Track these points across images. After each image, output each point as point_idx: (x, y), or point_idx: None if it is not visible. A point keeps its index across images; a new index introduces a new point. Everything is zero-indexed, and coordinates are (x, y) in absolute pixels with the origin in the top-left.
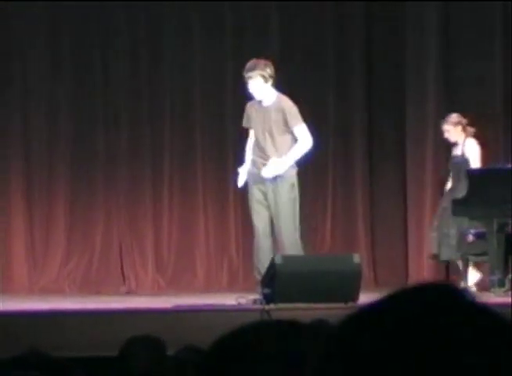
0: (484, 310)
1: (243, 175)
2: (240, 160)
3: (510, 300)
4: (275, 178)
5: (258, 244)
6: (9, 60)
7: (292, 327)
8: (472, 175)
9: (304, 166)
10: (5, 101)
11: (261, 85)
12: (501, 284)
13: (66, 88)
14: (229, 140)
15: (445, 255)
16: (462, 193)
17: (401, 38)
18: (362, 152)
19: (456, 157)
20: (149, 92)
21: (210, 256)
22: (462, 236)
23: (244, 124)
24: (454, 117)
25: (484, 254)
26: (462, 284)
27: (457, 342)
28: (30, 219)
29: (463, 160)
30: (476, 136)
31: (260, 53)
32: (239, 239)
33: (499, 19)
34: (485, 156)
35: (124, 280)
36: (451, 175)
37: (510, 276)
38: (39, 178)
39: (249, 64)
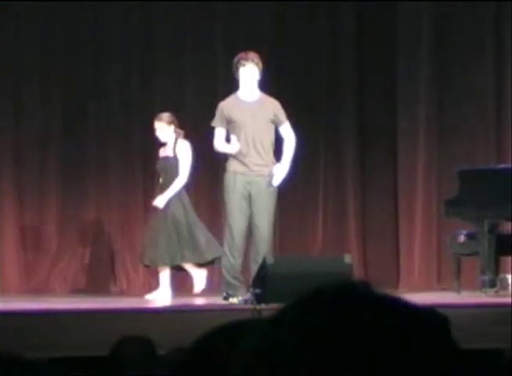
0: (390, 304)
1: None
2: None
3: (506, 300)
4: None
5: (237, 245)
6: (2, 66)
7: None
8: (462, 174)
9: (296, 167)
10: None
11: (257, 76)
12: (492, 285)
13: (58, 90)
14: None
15: (149, 260)
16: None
17: (391, 45)
18: (354, 152)
19: (167, 158)
20: (140, 93)
21: None
22: (454, 236)
23: (218, 124)
24: (167, 115)
25: (475, 254)
26: (455, 284)
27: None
28: (22, 219)
29: (174, 161)
30: (187, 138)
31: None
32: None
33: (491, 33)
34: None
35: (115, 280)
36: (161, 176)
37: (501, 276)
38: (30, 178)
39: (250, 52)
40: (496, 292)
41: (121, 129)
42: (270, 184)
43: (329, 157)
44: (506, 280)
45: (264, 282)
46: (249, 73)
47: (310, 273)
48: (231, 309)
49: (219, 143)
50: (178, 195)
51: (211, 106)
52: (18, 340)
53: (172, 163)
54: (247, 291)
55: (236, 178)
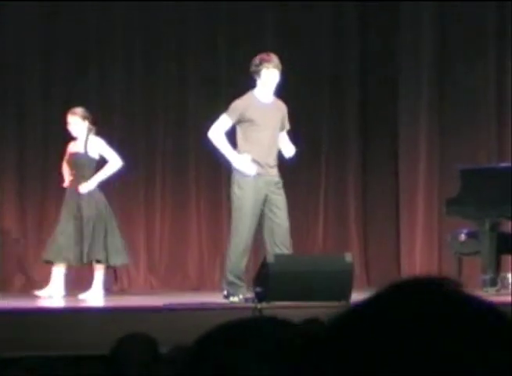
0: (477, 304)
1: (249, 162)
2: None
3: (507, 299)
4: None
5: (246, 245)
6: (4, 66)
7: (282, 324)
8: (464, 173)
9: (297, 166)
10: None
11: (278, 79)
12: (493, 284)
13: (60, 91)
14: None
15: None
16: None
17: (393, 46)
18: (355, 152)
19: (77, 153)
20: (142, 93)
21: (202, 255)
22: (454, 235)
23: (229, 116)
24: (82, 110)
25: (476, 253)
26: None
27: (444, 334)
28: (23, 218)
29: (85, 158)
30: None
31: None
32: None
33: (492, 35)
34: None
35: (116, 278)
36: (72, 172)
37: (502, 275)
38: (32, 177)
39: (272, 55)
40: (497, 291)
41: (122, 129)
42: (281, 184)
43: (330, 156)
44: (507, 279)
45: (265, 281)
46: (272, 76)
47: (311, 272)
48: (232, 308)
49: (220, 135)
50: (92, 193)
51: (214, 106)
52: (18, 339)
53: (83, 159)
54: (249, 289)
55: (251, 179)
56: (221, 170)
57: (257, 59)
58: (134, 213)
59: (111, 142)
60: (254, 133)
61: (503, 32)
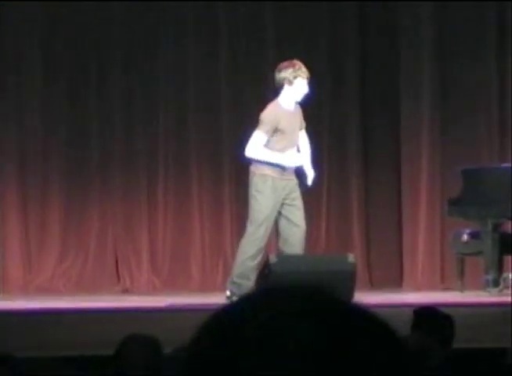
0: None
1: (294, 155)
2: (235, 160)
3: (509, 299)
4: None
5: (262, 247)
6: (4, 68)
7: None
8: (466, 173)
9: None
10: None
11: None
12: (495, 284)
13: (60, 93)
14: (225, 142)
15: None
16: None
17: (394, 42)
18: (357, 151)
19: None
20: (143, 94)
21: (205, 256)
22: (457, 235)
23: (264, 132)
24: None
25: (478, 253)
26: (459, 283)
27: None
28: (25, 218)
29: None
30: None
31: (254, 57)
32: (235, 239)
33: (493, 28)
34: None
35: (118, 279)
36: None
37: (504, 275)
38: (33, 177)
39: (303, 66)
40: (500, 291)
41: (124, 128)
42: (298, 186)
43: (332, 155)
44: (509, 279)
45: (267, 281)
46: (305, 86)
47: (313, 272)
48: None
49: (260, 151)
50: None
51: (215, 104)
52: (22, 339)
53: None
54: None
55: (273, 181)
56: (223, 169)
57: (289, 67)
58: (136, 214)
59: (111, 142)
60: (280, 141)
61: (504, 29)
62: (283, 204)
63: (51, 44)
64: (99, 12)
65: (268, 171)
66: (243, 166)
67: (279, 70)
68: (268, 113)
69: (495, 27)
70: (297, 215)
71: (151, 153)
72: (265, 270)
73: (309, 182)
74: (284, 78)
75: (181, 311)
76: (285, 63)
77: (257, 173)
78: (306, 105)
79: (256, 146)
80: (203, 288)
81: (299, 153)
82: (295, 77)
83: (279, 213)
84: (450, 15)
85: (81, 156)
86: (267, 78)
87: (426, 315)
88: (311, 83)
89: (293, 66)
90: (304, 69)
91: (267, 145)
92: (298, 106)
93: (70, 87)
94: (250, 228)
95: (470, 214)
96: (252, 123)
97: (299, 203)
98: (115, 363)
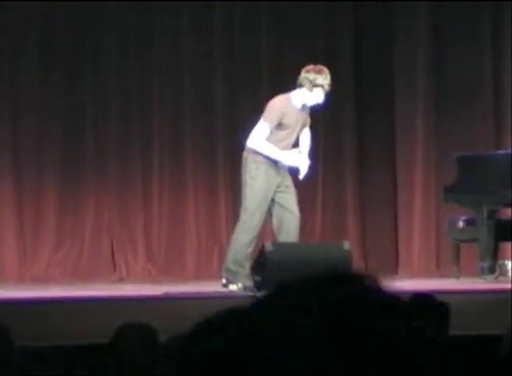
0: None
1: (298, 156)
2: (229, 149)
3: (506, 286)
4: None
5: (256, 234)
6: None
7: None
8: (461, 160)
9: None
10: None
11: None
12: (491, 271)
13: (55, 86)
14: (219, 131)
15: None
16: None
17: (389, 33)
18: (353, 140)
19: None
20: (138, 84)
21: (200, 245)
22: (452, 222)
23: (270, 123)
24: None
25: (474, 240)
26: (454, 270)
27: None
28: (20, 207)
29: None
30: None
31: (250, 52)
32: (230, 227)
33: (488, 20)
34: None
35: (114, 268)
36: None
37: (500, 262)
38: (29, 166)
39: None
40: (496, 278)
41: (119, 117)
42: (288, 173)
43: (328, 144)
44: (506, 266)
45: (263, 269)
46: (320, 98)
47: (309, 260)
48: (230, 297)
49: (263, 143)
50: None
51: (209, 96)
52: (18, 328)
53: None
54: (249, 277)
55: (267, 167)
56: (218, 157)
57: (316, 73)
58: (131, 202)
59: (106, 132)
60: (281, 136)
61: (500, 19)
62: (276, 191)
63: (47, 39)
64: (96, 9)
65: (261, 158)
66: (238, 154)
67: (308, 71)
68: (277, 106)
69: (490, 14)
70: (290, 201)
71: (146, 143)
72: (260, 258)
73: (303, 172)
74: (307, 80)
75: (177, 299)
76: (315, 67)
77: (250, 159)
78: None
79: (259, 138)
80: (199, 276)
81: (300, 154)
82: (316, 86)
83: (273, 200)
84: (446, 3)
85: (77, 146)
86: (261, 67)
87: (422, 302)
88: None
89: (321, 73)
90: (328, 81)
91: (268, 138)
92: (308, 106)
93: (66, 78)
94: (243, 215)
95: (465, 200)
96: (246, 112)
97: (292, 189)
98: (111, 352)
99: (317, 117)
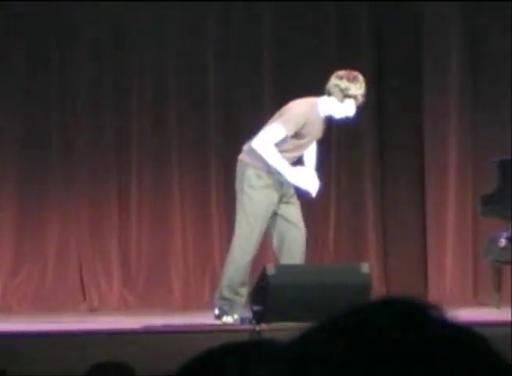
0: (450, 327)
1: (309, 177)
2: (223, 152)
3: None
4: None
5: (254, 252)
6: None
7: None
8: (503, 165)
9: None
10: None
11: None
12: None
13: (18, 81)
14: (210, 133)
15: None
16: None
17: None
18: (372, 144)
19: None
20: (113, 78)
21: (188, 267)
22: (492, 240)
23: (295, 128)
24: None
25: None
26: (495, 298)
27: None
28: (21, 214)
29: None
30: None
31: (248, 41)
32: (224, 246)
33: None
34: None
35: (84, 295)
36: None
37: None
38: (32, 173)
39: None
40: None
41: (91, 116)
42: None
43: (342, 148)
44: None
45: (264, 297)
46: (351, 111)
47: (319, 286)
48: (225, 330)
49: (271, 148)
50: None
51: (198, 97)
52: None
53: None
54: (246, 307)
55: (271, 177)
56: (209, 163)
57: (350, 82)
58: (105, 215)
59: (75, 132)
60: (292, 146)
61: None
62: (278, 203)
63: (10, 24)
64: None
65: (264, 164)
66: (233, 159)
67: (339, 77)
68: (302, 112)
69: None
70: (295, 213)
71: (122, 144)
72: (261, 284)
73: (314, 193)
74: (337, 89)
75: (159, 333)
76: (348, 74)
77: (249, 163)
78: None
79: (269, 142)
80: (187, 306)
81: (311, 176)
82: (349, 97)
83: (275, 213)
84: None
85: (40, 149)
86: (255, 60)
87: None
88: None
89: (355, 82)
90: (362, 91)
91: (276, 143)
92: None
93: (30, 77)
94: (239, 231)
95: (507, 213)
96: (244, 110)
97: (296, 199)
98: None
99: (332, 121)
